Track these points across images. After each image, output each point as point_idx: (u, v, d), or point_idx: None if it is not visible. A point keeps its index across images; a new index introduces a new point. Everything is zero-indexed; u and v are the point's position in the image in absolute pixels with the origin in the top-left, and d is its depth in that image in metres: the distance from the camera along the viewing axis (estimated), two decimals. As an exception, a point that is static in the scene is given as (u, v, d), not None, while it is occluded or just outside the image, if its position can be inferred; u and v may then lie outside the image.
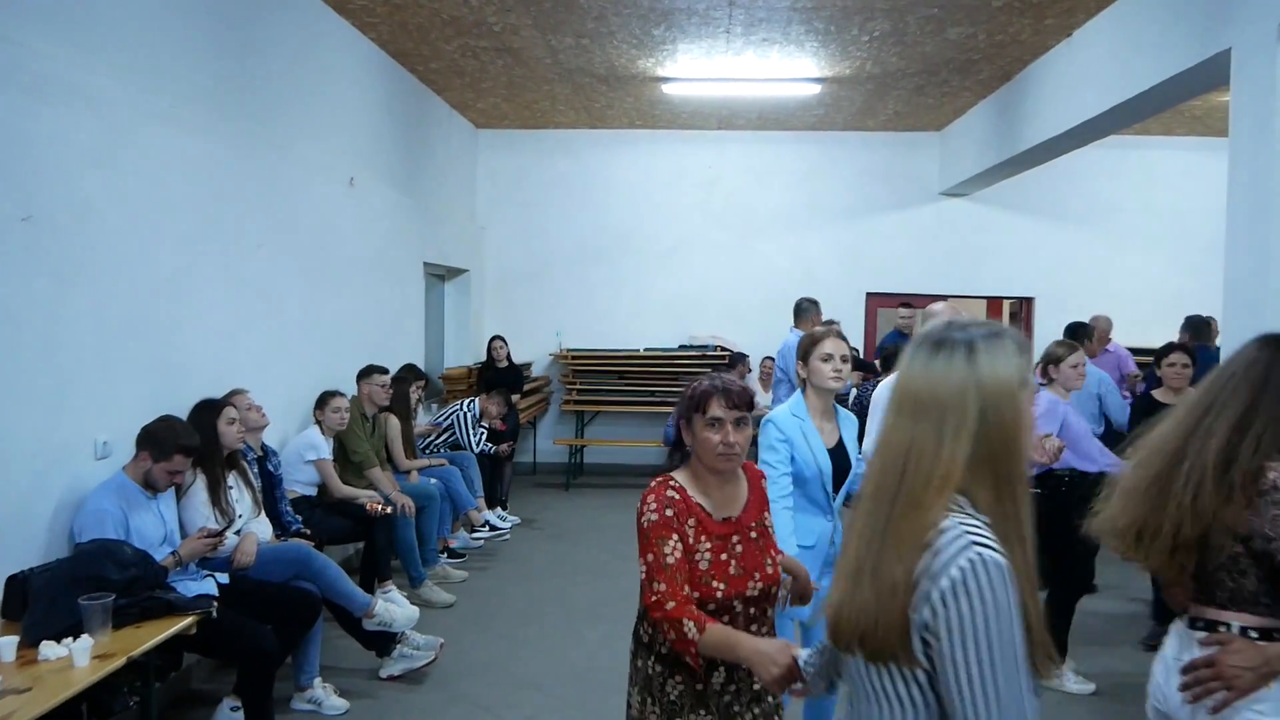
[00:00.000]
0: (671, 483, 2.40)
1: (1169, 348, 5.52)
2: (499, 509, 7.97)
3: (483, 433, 7.76)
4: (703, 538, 2.34)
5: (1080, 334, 7.29)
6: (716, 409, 2.35)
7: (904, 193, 10.59)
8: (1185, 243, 10.43)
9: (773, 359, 10.10)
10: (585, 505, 9.00)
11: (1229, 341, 4.76)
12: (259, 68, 5.56)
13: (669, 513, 2.33)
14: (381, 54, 7.53)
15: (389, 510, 5.67)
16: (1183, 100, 5.83)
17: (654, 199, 10.66)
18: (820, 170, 10.60)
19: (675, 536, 2.30)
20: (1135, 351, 9.55)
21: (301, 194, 6.00)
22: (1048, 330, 10.24)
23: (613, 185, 10.66)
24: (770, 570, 2.43)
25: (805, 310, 7.49)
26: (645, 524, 2.33)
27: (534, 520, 8.29)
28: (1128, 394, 8.34)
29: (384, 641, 4.74)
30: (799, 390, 3.43)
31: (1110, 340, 8.45)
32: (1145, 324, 10.17)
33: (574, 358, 10.23)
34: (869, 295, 10.70)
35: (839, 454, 3.43)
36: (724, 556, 2.35)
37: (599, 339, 10.58)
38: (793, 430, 3.26)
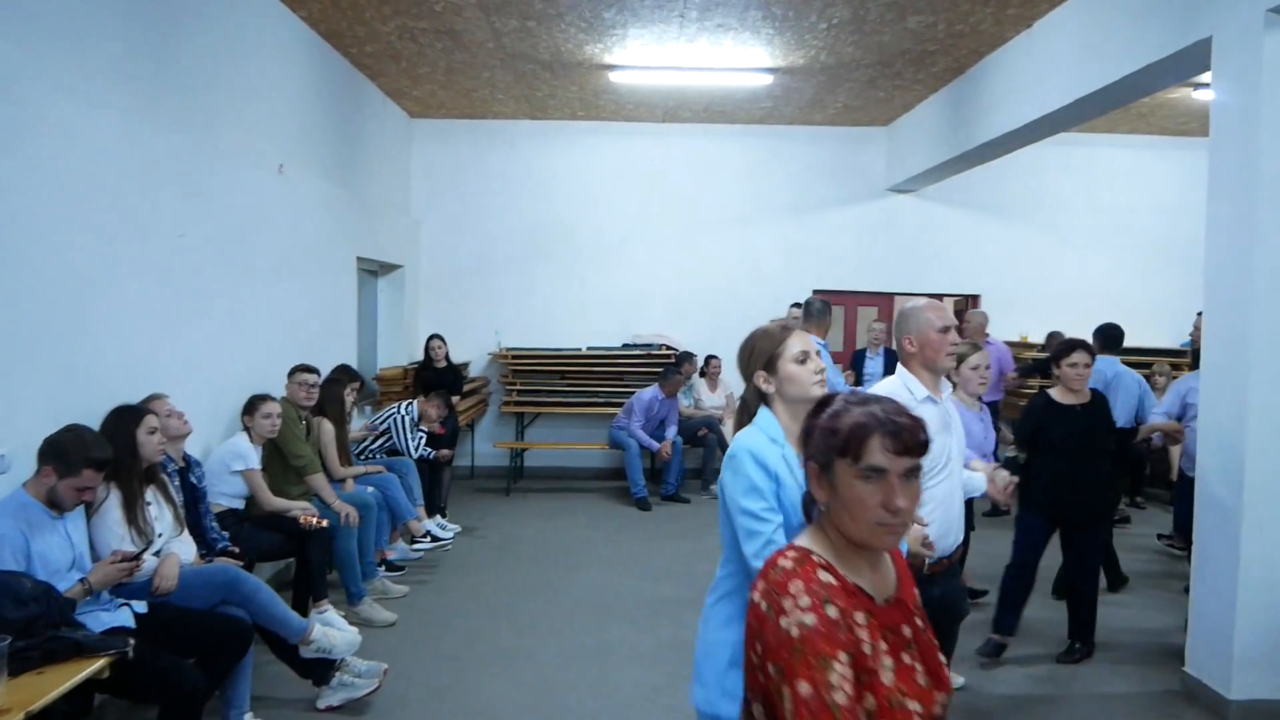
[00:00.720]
0: (815, 557, 1.62)
1: (1070, 346, 5.04)
2: (439, 517, 7.55)
3: (421, 437, 7.34)
4: (877, 637, 1.59)
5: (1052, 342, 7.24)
6: (878, 454, 1.58)
7: (851, 188, 10.42)
8: (1129, 241, 10.47)
9: (718, 358, 9.88)
10: (528, 511, 8.62)
11: (1210, 339, 4.61)
12: (177, 39, 5.08)
13: (831, 612, 1.53)
14: (312, 34, 7.05)
15: (324, 523, 5.24)
16: (1154, 91, 5.70)
17: (596, 193, 10.32)
18: (767, 165, 10.37)
19: (843, 654, 1.50)
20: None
21: (226, 180, 5.52)
22: (993, 328, 10.17)
23: (554, 179, 10.29)
24: (944, 672, 1.69)
25: (819, 312, 6.53)
26: (794, 633, 1.50)
27: (475, 528, 7.88)
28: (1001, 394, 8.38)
29: (322, 669, 4.32)
30: (762, 410, 2.52)
31: (988, 336, 8.43)
32: (1088, 322, 10.15)
33: (514, 357, 9.84)
34: (815, 292, 10.49)
35: None
36: (906, 658, 1.61)
37: (540, 338, 10.20)
38: (776, 462, 2.35)
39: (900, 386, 3.33)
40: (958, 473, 3.42)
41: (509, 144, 10.22)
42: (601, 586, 6.36)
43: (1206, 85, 7.82)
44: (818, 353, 2.59)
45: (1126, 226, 10.46)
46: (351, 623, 5.19)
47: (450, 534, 7.10)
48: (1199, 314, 8.77)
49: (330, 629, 4.34)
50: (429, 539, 6.69)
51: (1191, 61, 4.97)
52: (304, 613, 4.91)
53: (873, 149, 10.35)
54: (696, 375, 9.94)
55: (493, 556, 7.08)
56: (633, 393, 9.44)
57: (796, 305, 9.25)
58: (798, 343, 2.51)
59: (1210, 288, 4.61)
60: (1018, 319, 10.30)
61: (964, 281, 10.55)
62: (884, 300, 10.74)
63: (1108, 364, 6.54)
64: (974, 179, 9.99)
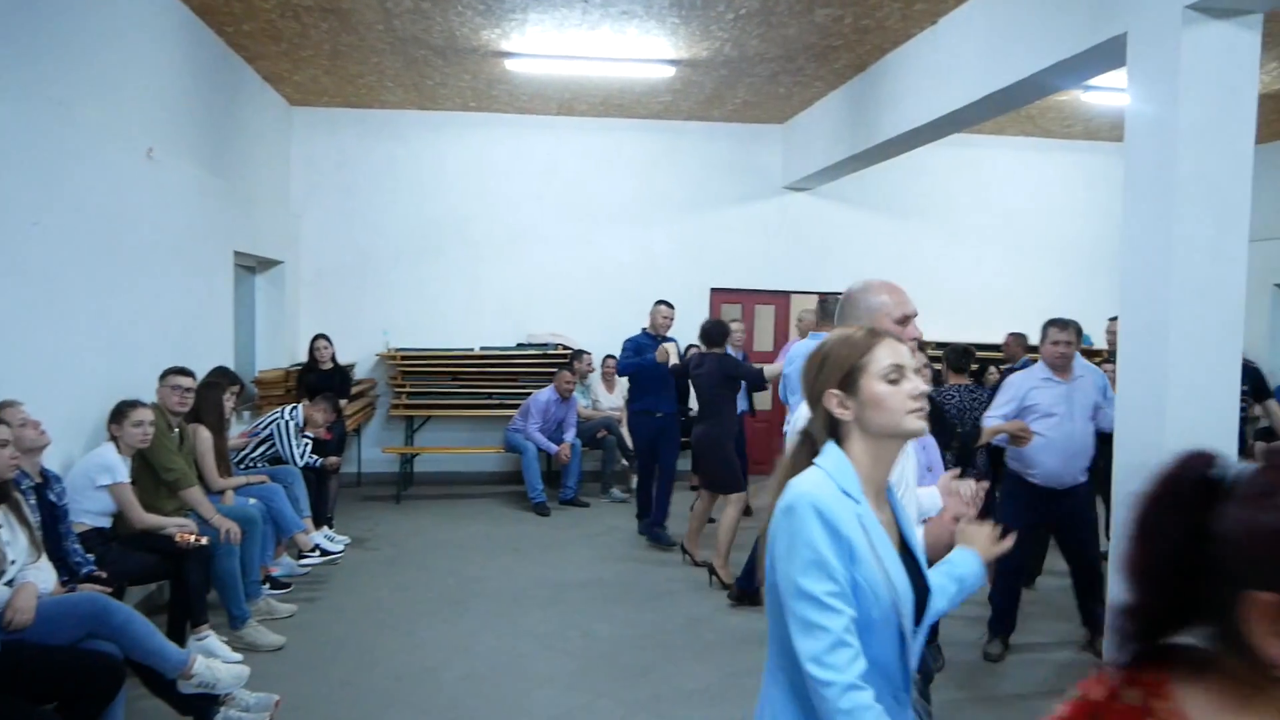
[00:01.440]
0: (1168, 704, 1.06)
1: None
2: (326, 528, 7.08)
3: (307, 443, 6.86)
4: None
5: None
6: None
7: (748, 186, 10.34)
8: (1016, 241, 10.70)
9: (615, 357, 9.63)
10: (420, 520, 8.20)
11: (1127, 341, 4.60)
12: (31, 4, 4.54)
13: None
14: (184, 8, 6.50)
15: (203, 540, 4.77)
16: (1064, 89, 5.74)
17: (489, 188, 9.94)
18: (663, 161, 10.19)
19: None
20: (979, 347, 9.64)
21: (87, 163, 4.98)
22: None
23: (444, 172, 9.87)
24: None
25: (833, 313, 6.00)
26: None
27: (366, 539, 7.44)
28: None
29: (205, 705, 3.89)
30: (831, 447, 1.85)
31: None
32: (979, 322, 10.35)
33: (403, 358, 9.39)
34: (713, 291, 10.38)
35: (907, 559, 1.88)
36: None
37: (430, 337, 9.77)
38: (850, 526, 1.73)
39: None
40: (912, 499, 2.56)
41: (396, 135, 9.76)
42: (506, 598, 6.04)
43: (1097, 88, 8.05)
44: (920, 369, 2.07)
45: (1013, 227, 10.69)
46: (235, 648, 4.76)
47: (340, 546, 6.67)
48: (1111, 319, 8.84)
49: (214, 660, 3.93)
50: (317, 553, 6.24)
51: (1104, 59, 4.97)
52: (181, 640, 4.45)
53: (769, 147, 10.29)
54: (594, 375, 9.68)
55: (386, 569, 6.67)
56: (528, 394, 9.13)
57: (809, 311, 8.94)
58: (888, 354, 1.85)
59: (1127, 289, 4.58)
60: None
61: (856, 279, 10.56)
62: (780, 299, 10.70)
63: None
64: (868, 178, 10.03)
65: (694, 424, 6.97)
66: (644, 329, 7.73)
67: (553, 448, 8.75)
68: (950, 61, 6.45)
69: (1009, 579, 5.24)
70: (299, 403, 7.10)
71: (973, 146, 10.36)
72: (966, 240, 10.65)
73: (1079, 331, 5.24)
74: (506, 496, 9.17)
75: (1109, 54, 4.86)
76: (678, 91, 8.77)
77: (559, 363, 9.24)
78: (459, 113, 9.76)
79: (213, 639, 4.61)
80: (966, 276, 10.61)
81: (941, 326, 10.12)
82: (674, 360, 7.32)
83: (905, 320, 2.64)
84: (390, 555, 7.04)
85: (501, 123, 9.88)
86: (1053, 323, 5.20)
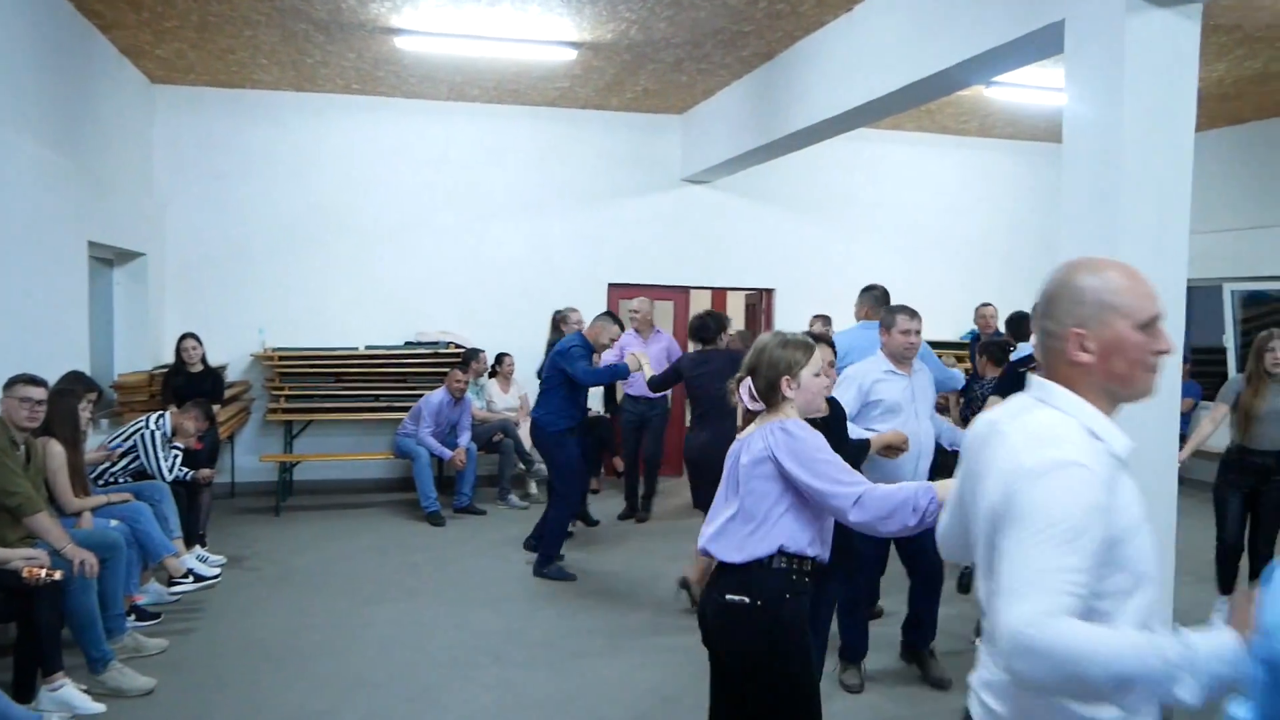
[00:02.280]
0: None
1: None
2: (199, 548, 6.44)
3: (176, 455, 6.20)
4: None
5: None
6: None
7: (646, 178, 10.01)
8: (912, 237, 10.70)
9: (510, 356, 9.16)
10: (304, 534, 7.58)
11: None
12: None
13: None
14: (25, -33, 5.75)
15: (56, 574, 4.14)
16: (991, 78, 5.58)
17: (374, 176, 9.33)
18: (559, 150, 9.76)
19: None
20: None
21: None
22: (789, 322, 10.11)
23: (325, 159, 9.21)
24: None
25: (883, 304, 5.64)
26: None
27: (244, 558, 6.80)
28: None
29: (61, 773, 3.32)
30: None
31: (656, 328, 8.67)
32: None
33: (281, 358, 8.70)
34: (611, 286, 10.02)
35: None
36: None
37: (311, 336, 9.11)
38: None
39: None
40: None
41: (272, 118, 9.04)
42: (407, 622, 5.54)
43: (999, 84, 8.02)
44: None
45: (910, 222, 10.68)
46: (96, 696, 4.18)
47: (215, 570, 6.05)
48: (981, 305, 9.03)
49: (72, 715, 3.34)
50: (190, 578, 5.62)
51: (1037, 47, 4.81)
52: (30, 693, 3.84)
53: (668, 138, 9.99)
54: (487, 376, 9.20)
55: (270, 592, 6.07)
56: (418, 396, 8.57)
57: (819, 317, 8.79)
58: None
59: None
60: (811, 312, 10.26)
61: (758, 275, 10.40)
62: (679, 294, 10.42)
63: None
64: (767, 173, 9.85)
65: (692, 434, 6.07)
66: (579, 334, 6.74)
67: (446, 453, 8.24)
68: (868, 49, 6.25)
69: (855, 609, 4.71)
70: (165, 410, 6.42)
71: (871, 141, 10.29)
72: (865, 236, 10.58)
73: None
74: (396, 505, 8.60)
75: (1043, 42, 4.70)
76: (576, 77, 8.37)
77: (451, 362, 8.72)
78: (341, 95, 9.12)
79: (69, 688, 4.01)
80: (865, 271, 10.47)
81: (844, 322, 10.01)
82: (649, 371, 6.37)
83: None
84: (273, 576, 6.43)
85: (387, 107, 9.28)
86: (901, 309, 4.68)
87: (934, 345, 9.25)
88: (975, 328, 9.29)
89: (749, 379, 2.79)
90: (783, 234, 10.36)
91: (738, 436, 2.88)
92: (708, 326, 6.17)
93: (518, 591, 6.18)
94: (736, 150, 8.57)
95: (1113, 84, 4.11)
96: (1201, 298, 10.42)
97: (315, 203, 9.18)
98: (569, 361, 6.36)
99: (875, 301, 5.81)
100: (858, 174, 10.49)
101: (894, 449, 4.21)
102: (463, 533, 7.71)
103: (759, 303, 10.54)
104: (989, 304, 8.92)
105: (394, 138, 9.35)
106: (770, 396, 2.78)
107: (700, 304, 11.26)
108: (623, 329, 7.05)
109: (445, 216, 9.51)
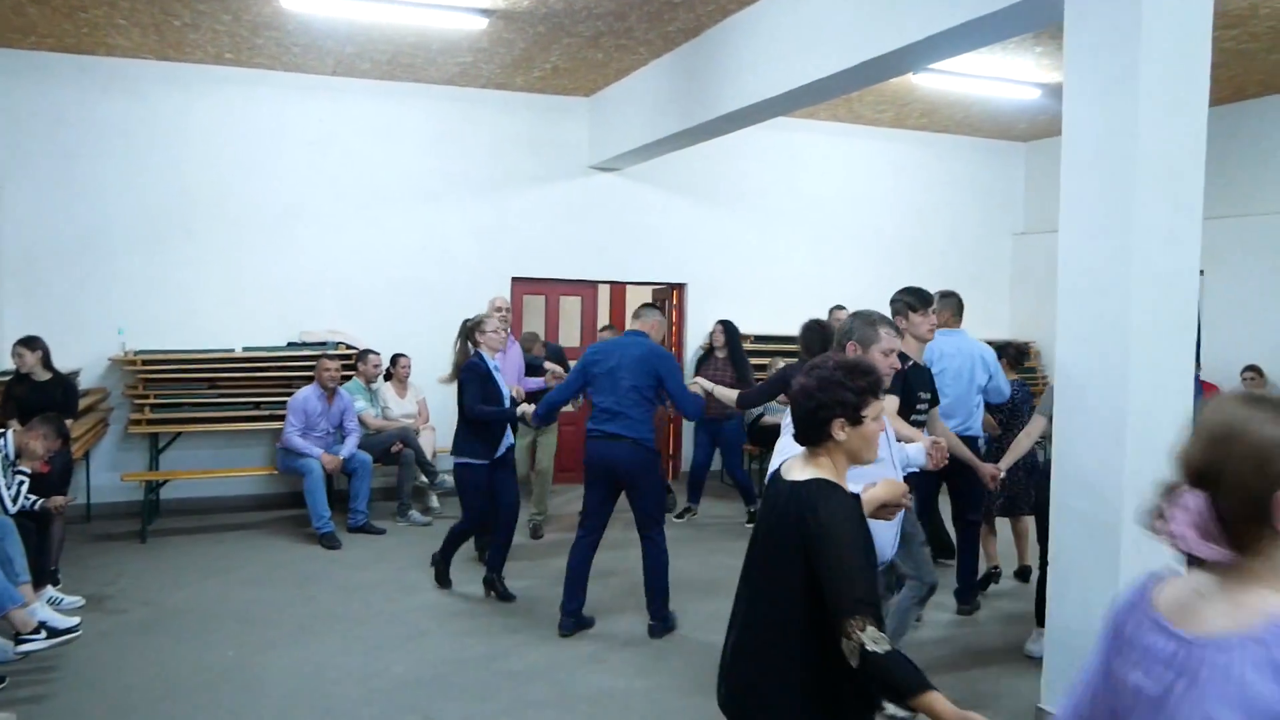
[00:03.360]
0: None
1: None
2: (50, 588, 5.48)
3: (22, 482, 5.23)
4: None
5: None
6: None
7: (551, 165, 9.34)
8: (826, 230, 10.37)
9: (407, 357, 8.33)
10: (176, 564, 6.63)
11: (1066, 336, 4.05)
12: None
13: None
14: None
15: None
16: (963, 52, 5.14)
17: (251, 158, 8.36)
18: (457, 134, 8.99)
19: None
20: (770, 339, 9.27)
21: None
22: (700, 318, 9.64)
23: (194, 137, 8.19)
24: None
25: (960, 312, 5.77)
26: None
27: (106, 597, 5.84)
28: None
29: None
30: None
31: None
32: (791, 312, 9.90)
33: (145, 363, 7.68)
34: (515, 280, 9.31)
35: None
36: None
37: (180, 337, 8.08)
38: None
39: None
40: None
41: (131, 90, 7.97)
42: (309, 671, 4.76)
43: (933, 70, 7.68)
44: None
45: (823, 215, 10.34)
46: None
47: (72, 621, 5.07)
48: (834, 308, 8.25)
49: None
50: (43, 633, 4.68)
51: (1023, 18, 4.39)
52: None
53: (574, 121, 9.34)
54: (382, 379, 8.37)
55: (139, 640, 5.17)
56: (306, 402, 7.69)
57: (839, 308, 7.80)
58: None
59: (1073, 276, 4.01)
60: (725, 309, 9.80)
61: (670, 270, 9.87)
62: (587, 289, 9.79)
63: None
64: (678, 161, 9.33)
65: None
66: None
67: (314, 451, 7.36)
68: (818, 22, 5.75)
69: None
70: (5, 428, 5.43)
71: (785, 130, 9.88)
72: (779, 229, 10.18)
73: None
74: (283, 525, 7.70)
75: (1031, 12, 4.28)
76: (481, 51, 7.64)
77: (343, 365, 7.87)
78: (214, 66, 8.12)
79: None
80: (778, 265, 10.15)
81: (756, 318, 9.64)
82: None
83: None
84: (142, 619, 5.51)
85: (266, 81, 8.33)
86: (885, 321, 3.93)
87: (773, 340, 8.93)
88: None
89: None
90: (694, 226, 9.85)
91: None
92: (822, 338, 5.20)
93: (433, 626, 5.45)
94: (653, 135, 8.01)
95: (1125, 55, 3.71)
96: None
97: (183, 187, 8.15)
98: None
99: (955, 309, 5.71)
100: (772, 164, 10.07)
101: (889, 508, 2.70)
102: (362, 556, 6.90)
103: (669, 298, 10.00)
104: (842, 307, 8.21)
105: (274, 116, 8.39)
106: None
107: (608, 300, 10.70)
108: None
109: (332, 204, 8.62)
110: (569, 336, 9.63)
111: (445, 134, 8.95)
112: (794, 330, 8.92)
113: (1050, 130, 10.45)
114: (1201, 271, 3.93)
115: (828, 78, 5.74)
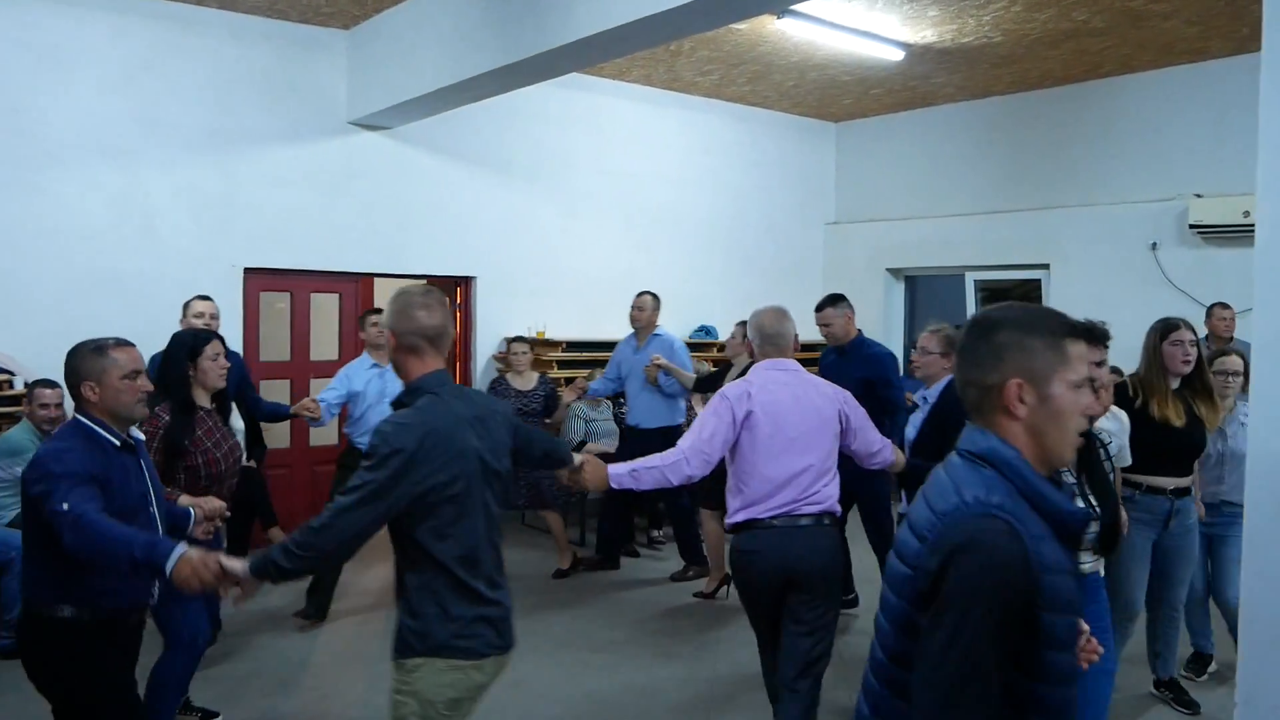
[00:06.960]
0: None
1: None
2: None
3: None
4: None
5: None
6: None
7: (297, 118, 7.03)
8: (636, 213, 8.75)
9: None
10: None
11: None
12: None
13: None
14: None
15: None
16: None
17: None
18: (162, 70, 6.49)
19: None
20: (584, 345, 7.79)
21: None
22: (492, 315, 7.76)
23: None
24: None
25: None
26: None
27: None
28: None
29: None
30: None
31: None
32: (601, 310, 8.22)
33: None
34: (248, 272, 6.92)
35: None
36: None
37: None
38: None
39: None
40: None
41: None
42: None
43: (796, 14, 6.23)
44: None
45: (634, 194, 8.72)
46: None
47: None
48: (738, 324, 6.86)
49: None
50: None
51: None
52: None
53: (329, 61, 7.10)
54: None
55: None
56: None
57: (741, 324, 5.73)
58: None
59: (1271, 262, 2.59)
60: (524, 308, 7.94)
61: (453, 260, 7.82)
62: (348, 284, 7.52)
63: None
64: (461, 121, 7.41)
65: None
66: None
67: None
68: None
69: None
70: None
71: (590, 91, 8.18)
72: (584, 209, 8.43)
73: None
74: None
75: None
76: (203, -59, 5.30)
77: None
78: None
79: None
80: (584, 254, 8.40)
81: (564, 318, 7.89)
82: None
83: None
84: None
85: None
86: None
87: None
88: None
89: None
90: (484, 204, 7.89)
91: None
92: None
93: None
94: (439, 80, 6.08)
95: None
96: (944, 287, 9.58)
97: None
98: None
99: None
100: (575, 131, 8.30)
101: None
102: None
103: (453, 297, 7.94)
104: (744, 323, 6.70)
105: None
106: None
107: (384, 295, 8.41)
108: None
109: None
110: (324, 345, 7.36)
111: (141, 68, 6.40)
112: (611, 336, 7.36)
113: (864, 110, 9.44)
114: None
115: (689, 4, 4.16)
